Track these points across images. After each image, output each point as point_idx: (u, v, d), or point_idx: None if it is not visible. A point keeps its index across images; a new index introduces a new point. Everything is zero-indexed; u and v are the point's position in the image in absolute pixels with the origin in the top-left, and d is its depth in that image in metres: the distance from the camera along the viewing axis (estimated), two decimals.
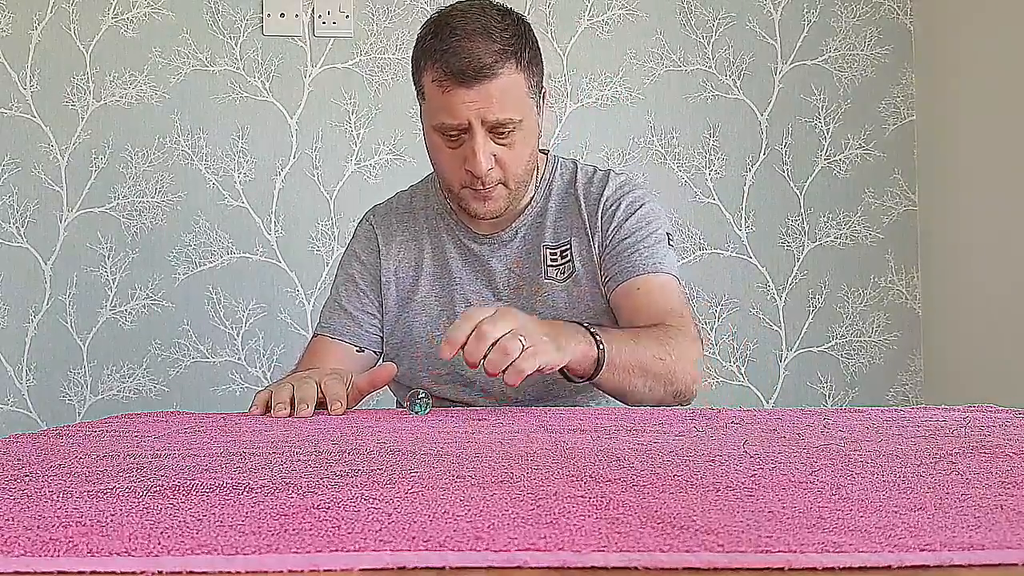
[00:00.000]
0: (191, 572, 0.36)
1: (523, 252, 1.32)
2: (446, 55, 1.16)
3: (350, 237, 1.43)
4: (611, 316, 1.30)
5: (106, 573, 0.36)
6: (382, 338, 1.36)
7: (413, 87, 1.27)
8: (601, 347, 1.07)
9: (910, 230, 2.17)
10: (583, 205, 1.32)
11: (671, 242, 1.31)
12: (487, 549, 0.38)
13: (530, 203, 1.33)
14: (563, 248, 1.31)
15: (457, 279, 1.32)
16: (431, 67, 1.19)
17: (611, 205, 1.31)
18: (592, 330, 1.09)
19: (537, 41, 1.25)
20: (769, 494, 0.49)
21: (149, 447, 0.72)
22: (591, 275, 1.30)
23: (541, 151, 1.34)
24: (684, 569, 0.36)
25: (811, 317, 2.15)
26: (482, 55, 1.16)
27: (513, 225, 1.32)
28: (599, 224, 1.30)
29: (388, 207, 1.41)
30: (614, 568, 0.36)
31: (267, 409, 1.04)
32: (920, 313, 2.16)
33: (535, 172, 1.33)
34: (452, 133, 1.20)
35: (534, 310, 1.28)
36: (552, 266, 1.31)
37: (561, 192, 1.34)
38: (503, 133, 1.20)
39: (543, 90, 1.27)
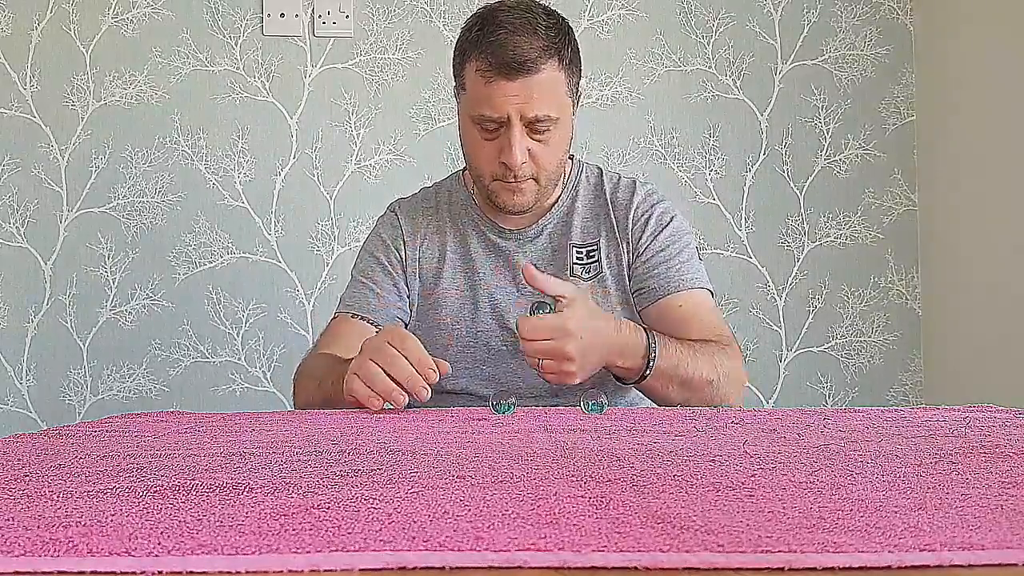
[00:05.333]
0: (191, 572, 0.36)
1: (549, 249, 1.34)
2: (492, 47, 1.18)
3: (372, 230, 1.42)
4: (633, 316, 1.32)
5: (106, 573, 0.36)
6: (405, 323, 1.35)
7: (453, 79, 1.29)
8: (652, 356, 1.15)
9: (910, 230, 2.17)
10: (611, 209, 1.35)
11: (700, 255, 1.36)
12: (487, 549, 0.38)
13: (557, 202, 1.35)
14: (591, 248, 1.33)
15: (481, 273, 1.33)
16: (475, 58, 1.21)
17: (642, 215, 1.34)
18: (651, 339, 1.16)
19: (578, 44, 1.27)
20: (769, 494, 0.49)
21: (149, 447, 0.72)
22: (618, 278, 1.33)
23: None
24: (684, 569, 0.36)
25: (811, 317, 2.15)
26: (527, 50, 1.18)
27: (540, 222, 1.34)
28: (629, 232, 1.33)
29: (412, 200, 1.42)
30: (614, 568, 0.36)
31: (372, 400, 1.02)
32: (920, 313, 2.16)
33: (562, 173, 1.35)
34: (490, 125, 1.22)
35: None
36: (578, 264, 1.33)
37: (588, 194, 1.37)
38: (540, 130, 1.22)
39: (579, 93, 1.29)
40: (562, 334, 1.08)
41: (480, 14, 1.24)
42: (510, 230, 1.34)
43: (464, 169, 1.41)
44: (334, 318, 1.36)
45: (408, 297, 1.35)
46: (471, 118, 1.23)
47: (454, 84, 1.30)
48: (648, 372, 1.17)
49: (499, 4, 1.24)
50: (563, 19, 1.25)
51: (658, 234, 1.32)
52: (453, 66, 1.28)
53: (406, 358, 1.01)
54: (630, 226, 1.33)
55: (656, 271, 1.31)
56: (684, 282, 1.30)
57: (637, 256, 1.32)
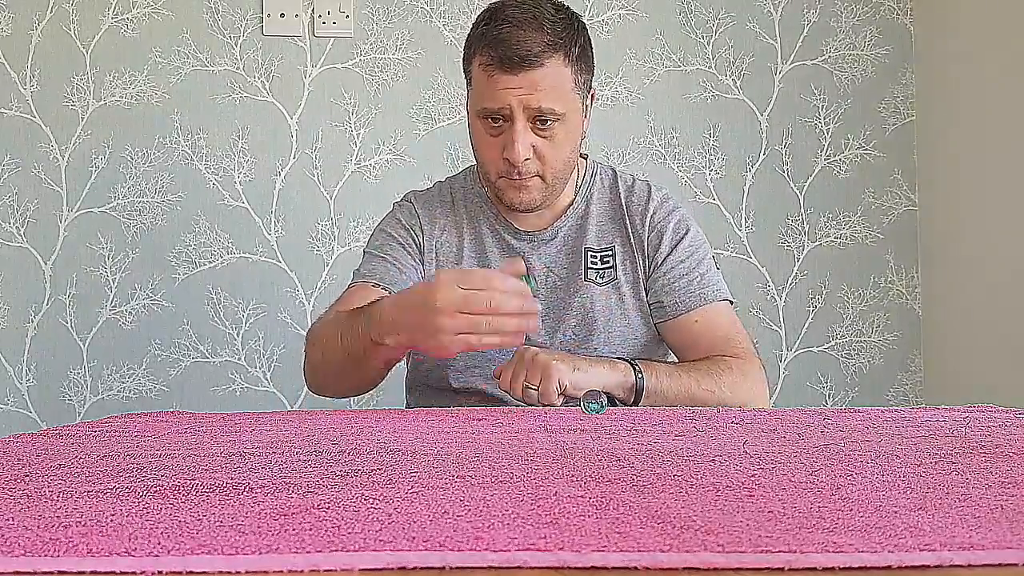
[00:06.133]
0: (191, 572, 0.36)
1: (563, 252, 1.33)
2: (495, 41, 1.18)
3: (384, 217, 1.39)
4: (648, 326, 1.33)
5: (106, 573, 0.36)
6: None
7: (463, 75, 1.29)
8: (640, 376, 1.17)
9: (910, 230, 2.17)
10: (627, 215, 1.34)
11: (716, 263, 1.36)
12: (487, 549, 0.38)
13: (571, 205, 1.34)
14: (606, 253, 1.33)
15: None
16: (480, 52, 1.21)
17: (658, 223, 1.33)
18: (634, 361, 1.19)
19: (590, 41, 1.26)
20: (769, 494, 0.49)
21: (149, 447, 0.72)
22: (632, 285, 1.32)
23: (580, 155, 1.35)
24: (684, 569, 0.36)
25: (811, 317, 2.15)
26: (530, 44, 1.17)
27: (554, 225, 1.34)
28: (645, 242, 1.33)
29: (428, 194, 1.40)
30: (614, 568, 0.36)
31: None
32: (920, 313, 2.16)
33: (576, 174, 1.35)
34: (495, 120, 1.21)
35: (570, 310, 1.30)
36: (593, 268, 1.32)
37: (603, 197, 1.36)
38: (545, 125, 1.21)
39: (591, 91, 1.29)
40: (519, 355, 1.14)
41: (489, 8, 1.24)
42: (525, 231, 1.33)
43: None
44: (350, 287, 1.31)
45: (424, 280, 1.33)
46: (476, 112, 1.23)
47: (465, 80, 1.30)
48: (640, 387, 1.18)
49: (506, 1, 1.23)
50: (574, 14, 1.24)
51: (676, 247, 1.32)
52: (462, 62, 1.28)
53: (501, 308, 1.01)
54: (646, 235, 1.33)
55: (674, 287, 1.30)
56: (703, 297, 1.30)
57: (655, 269, 1.32)
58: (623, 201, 1.35)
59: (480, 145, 1.26)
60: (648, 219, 1.33)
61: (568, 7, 1.25)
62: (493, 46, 1.18)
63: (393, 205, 1.41)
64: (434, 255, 1.34)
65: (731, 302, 1.34)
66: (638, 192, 1.36)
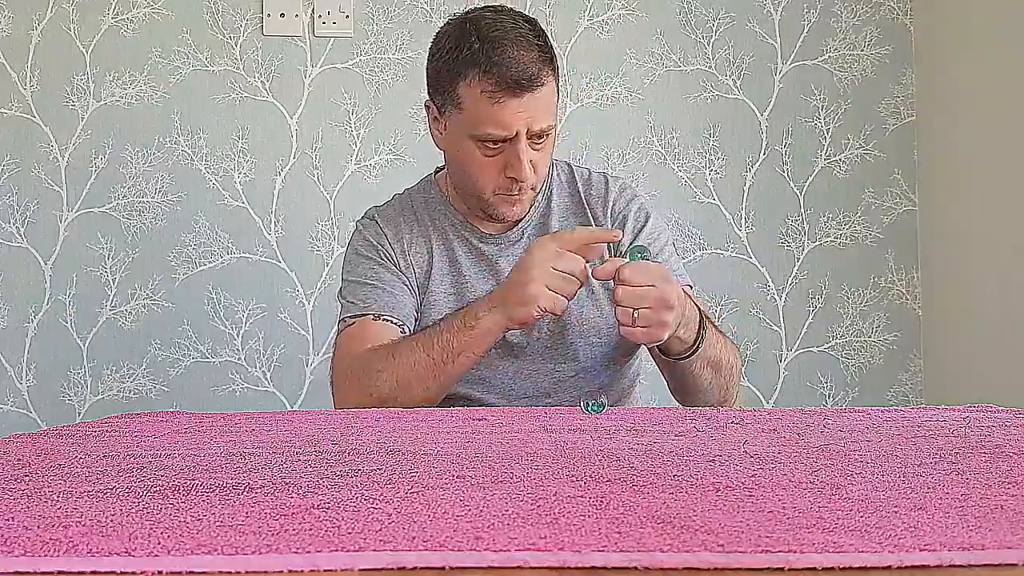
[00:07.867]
0: (191, 572, 0.36)
1: None
2: (498, 66, 1.16)
3: (351, 239, 1.39)
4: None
5: (106, 573, 0.36)
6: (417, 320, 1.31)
7: (431, 96, 1.26)
8: (702, 335, 1.19)
9: (910, 230, 2.17)
10: (587, 207, 1.35)
11: (676, 248, 1.35)
12: (487, 549, 0.38)
13: (534, 204, 1.34)
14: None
15: (467, 277, 1.32)
16: (479, 78, 1.17)
17: (620, 211, 1.34)
18: (702, 319, 1.20)
19: None
20: (769, 494, 0.49)
21: (149, 447, 0.72)
22: None
23: None
24: (684, 569, 0.36)
25: (811, 317, 2.15)
26: (529, 64, 1.16)
27: (520, 226, 1.33)
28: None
29: (389, 209, 1.39)
30: (614, 568, 0.36)
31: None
32: (920, 313, 2.16)
33: None
34: (495, 142, 1.20)
35: None
36: None
37: (562, 192, 1.36)
38: (540, 139, 1.21)
39: None
40: (664, 281, 1.10)
41: (463, 30, 1.21)
42: (492, 235, 1.33)
43: (436, 173, 1.39)
44: (350, 325, 1.28)
45: (414, 294, 1.32)
46: (472, 136, 1.21)
47: (431, 101, 1.27)
48: (700, 343, 1.18)
49: (478, 17, 1.21)
50: (537, 21, 1.24)
51: (638, 235, 1.33)
52: (437, 84, 1.24)
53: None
54: (609, 224, 1.33)
55: None
56: None
57: (620, 258, 1.32)
58: (582, 194, 1.35)
59: (474, 166, 1.23)
60: (609, 208, 1.34)
61: (525, 14, 1.24)
62: (497, 70, 1.16)
63: (357, 225, 1.39)
64: (410, 269, 1.32)
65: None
66: (596, 184, 1.36)
